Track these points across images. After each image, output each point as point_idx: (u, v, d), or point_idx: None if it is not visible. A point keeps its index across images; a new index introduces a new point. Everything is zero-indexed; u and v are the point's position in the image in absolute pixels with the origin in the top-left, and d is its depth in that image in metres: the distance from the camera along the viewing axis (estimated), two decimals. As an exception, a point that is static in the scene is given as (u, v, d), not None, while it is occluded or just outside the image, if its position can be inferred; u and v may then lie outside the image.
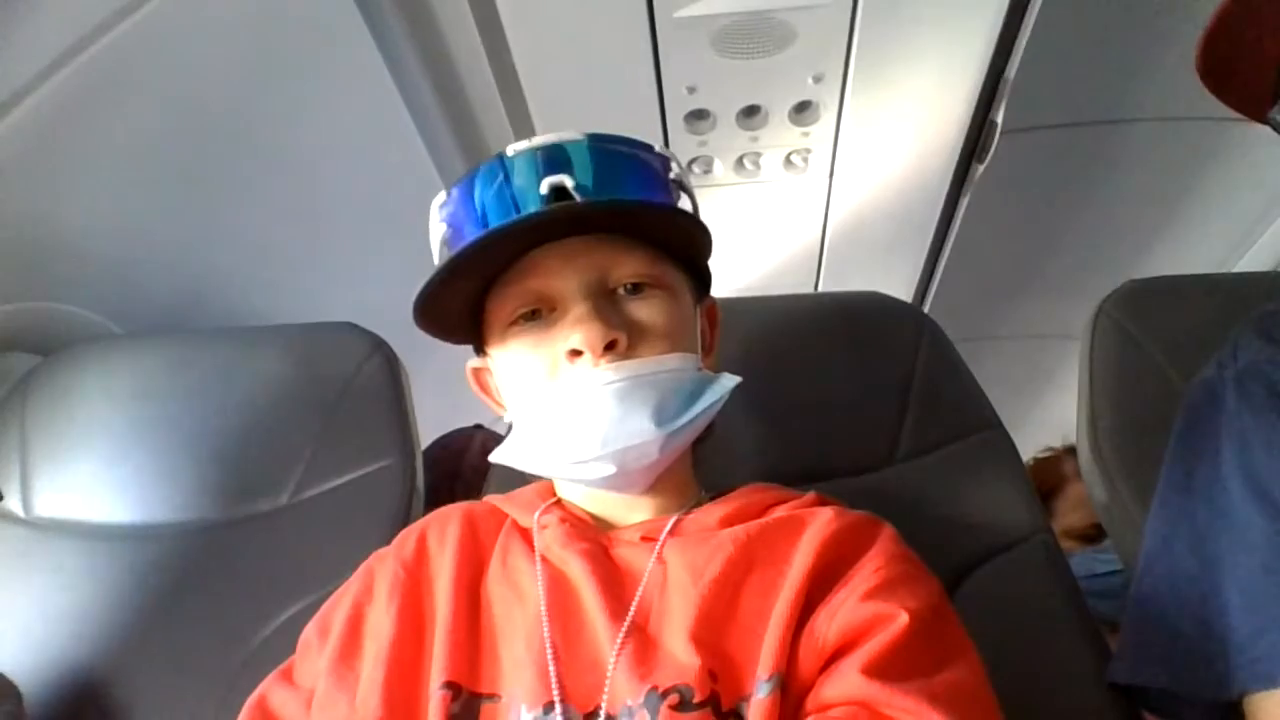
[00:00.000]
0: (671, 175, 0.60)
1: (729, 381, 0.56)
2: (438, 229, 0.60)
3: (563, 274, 0.54)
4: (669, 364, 0.53)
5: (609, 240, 0.55)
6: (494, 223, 0.54)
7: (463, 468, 1.22)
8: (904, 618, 0.46)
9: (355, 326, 0.94)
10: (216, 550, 0.83)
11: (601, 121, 0.58)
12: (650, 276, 0.56)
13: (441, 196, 0.60)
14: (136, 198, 1.05)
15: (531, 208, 0.54)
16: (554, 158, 0.55)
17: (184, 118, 1.03)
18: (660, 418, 0.51)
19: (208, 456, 0.87)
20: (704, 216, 0.60)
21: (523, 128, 1.29)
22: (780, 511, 0.57)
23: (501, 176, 0.55)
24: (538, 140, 0.56)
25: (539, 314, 0.55)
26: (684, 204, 0.60)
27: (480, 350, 0.61)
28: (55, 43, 0.85)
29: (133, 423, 0.90)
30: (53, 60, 0.85)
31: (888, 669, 0.44)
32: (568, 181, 0.53)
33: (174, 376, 0.92)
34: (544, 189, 0.53)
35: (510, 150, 0.56)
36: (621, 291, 0.55)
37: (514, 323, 0.56)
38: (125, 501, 0.86)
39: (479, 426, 1.30)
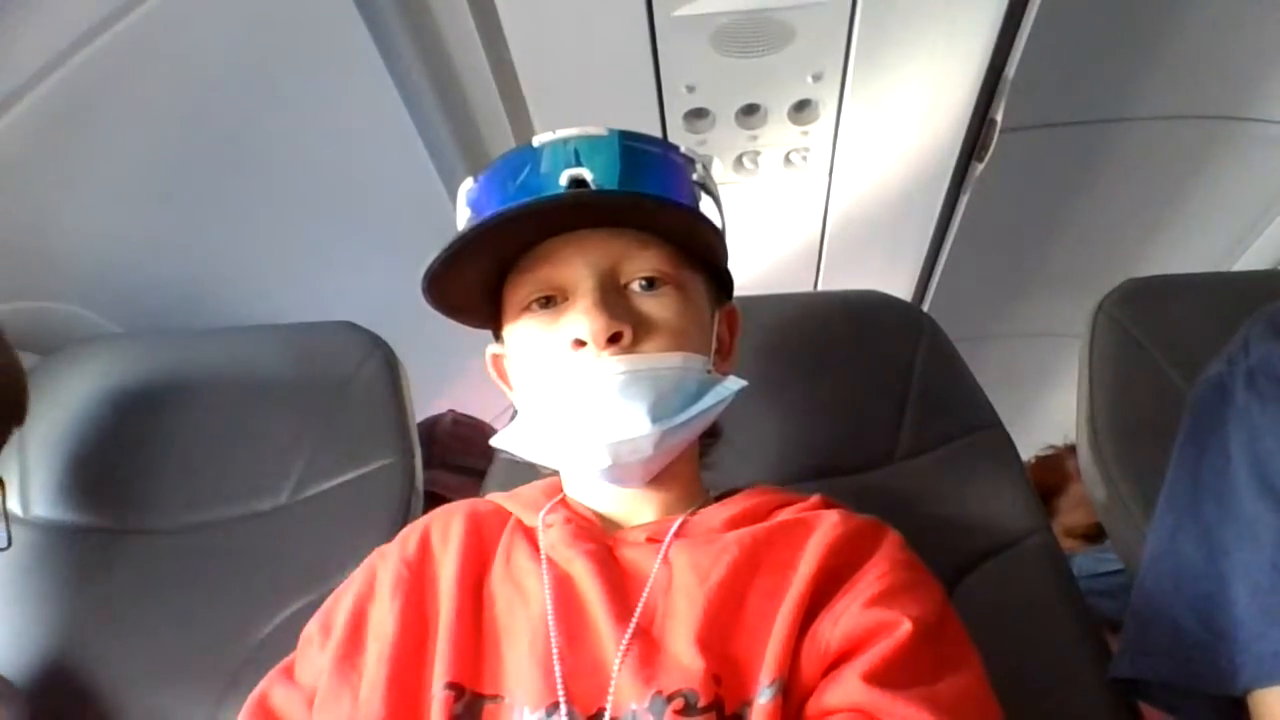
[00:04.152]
0: (694, 177, 0.60)
1: (733, 385, 0.56)
2: (462, 213, 0.60)
3: (574, 264, 0.54)
4: (672, 361, 0.53)
5: (626, 235, 0.55)
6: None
7: (437, 432, 1.25)
8: (907, 625, 0.46)
9: (354, 326, 0.94)
10: (216, 549, 0.83)
11: (601, 121, 0.58)
12: (664, 273, 0.56)
13: (469, 183, 0.60)
14: (135, 197, 1.05)
15: None
16: (578, 151, 0.55)
17: (182, 117, 1.03)
18: (656, 414, 0.51)
19: (206, 456, 0.87)
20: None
21: (522, 127, 1.29)
22: (786, 514, 0.56)
23: (525, 166, 0.55)
24: (563, 132, 0.56)
25: (553, 301, 0.56)
26: (708, 206, 0.60)
27: (499, 336, 0.62)
28: (53, 42, 0.85)
29: (132, 422, 0.90)
30: (50, 59, 0.85)
31: (890, 677, 0.44)
32: (587, 174, 0.54)
33: (173, 376, 0.92)
34: (563, 180, 0.54)
35: (536, 141, 0.57)
36: (635, 287, 0.55)
37: (527, 308, 0.56)
38: (124, 501, 0.86)
39: (450, 411, 1.34)
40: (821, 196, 1.51)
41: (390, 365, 0.91)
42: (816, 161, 1.41)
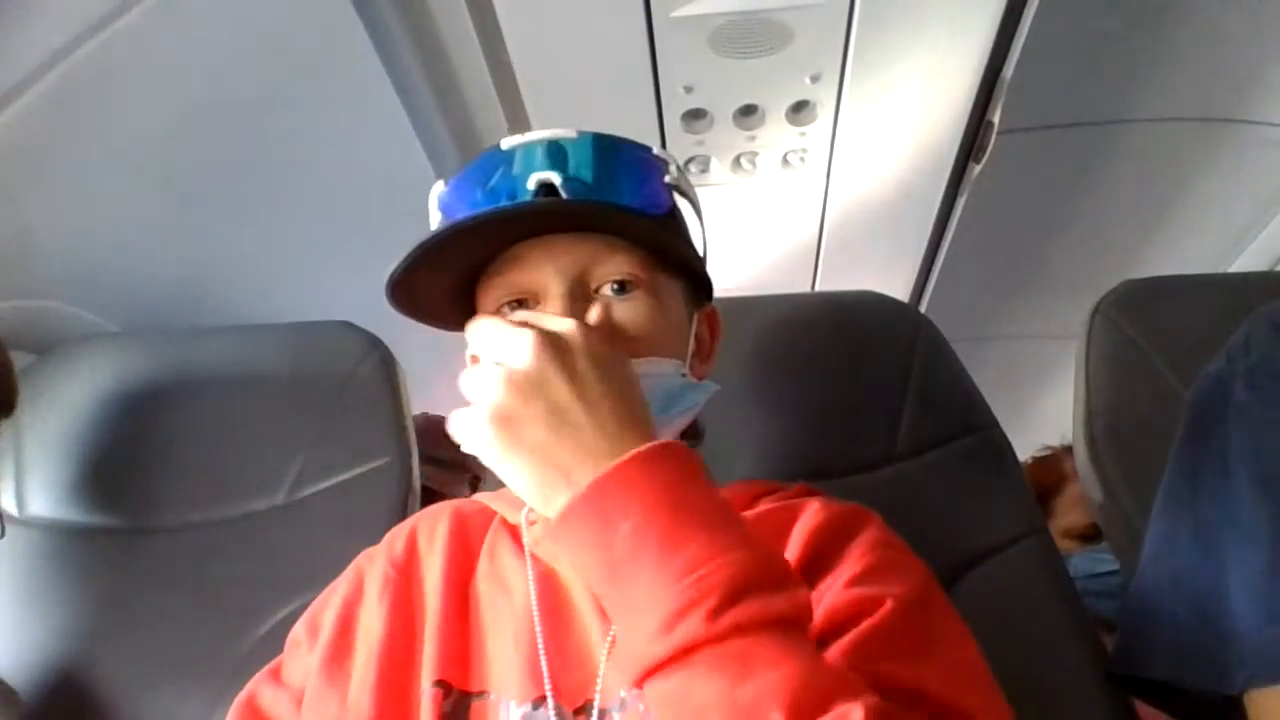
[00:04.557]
0: (667, 179, 0.59)
1: (705, 389, 0.56)
2: (435, 216, 0.60)
3: (543, 268, 0.53)
4: (642, 368, 0.52)
5: (595, 239, 0.54)
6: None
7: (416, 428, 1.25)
8: (889, 602, 0.46)
9: (352, 326, 0.94)
10: (212, 549, 0.83)
11: (599, 121, 0.57)
12: (635, 277, 0.54)
13: (439, 186, 0.59)
14: (132, 196, 1.05)
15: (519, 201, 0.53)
16: (547, 154, 0.54)
17: (178, 116, 1.03)
18: None
19: (203, 455, 0.87)
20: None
21: (520, 128, 1.28)
22: (769, 503, 0.56)
23: (495, 170, 0.55)
24: (532, 135, 0.56)
25: (525, 304, 0.55)
26: (683, 207, 0.60)
27: None
28: (50, 40, 0.85)
29: (128, 421, 0.89)
30: (47, 58, 0.85)
31: (876, 652, 0.44)
32: (555, 178, 0.53)
33: (169, 375, 0.92)
34: (531, 184, 0.53)
35: (505, 144, 0.56)
36: (606, 291, 0.54)
37: (498, 311, 0.55)
38: (120, 501, 0.86)
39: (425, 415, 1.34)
40: (819, 197, 1.52)
41: (387, 365, 0.91)
42: (814, 162, 1.42)
